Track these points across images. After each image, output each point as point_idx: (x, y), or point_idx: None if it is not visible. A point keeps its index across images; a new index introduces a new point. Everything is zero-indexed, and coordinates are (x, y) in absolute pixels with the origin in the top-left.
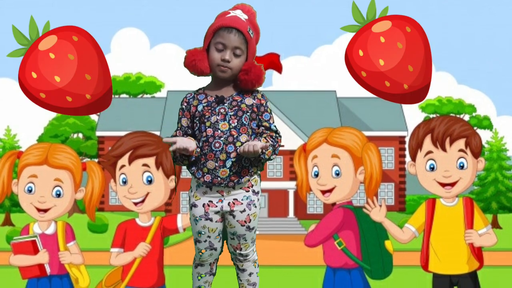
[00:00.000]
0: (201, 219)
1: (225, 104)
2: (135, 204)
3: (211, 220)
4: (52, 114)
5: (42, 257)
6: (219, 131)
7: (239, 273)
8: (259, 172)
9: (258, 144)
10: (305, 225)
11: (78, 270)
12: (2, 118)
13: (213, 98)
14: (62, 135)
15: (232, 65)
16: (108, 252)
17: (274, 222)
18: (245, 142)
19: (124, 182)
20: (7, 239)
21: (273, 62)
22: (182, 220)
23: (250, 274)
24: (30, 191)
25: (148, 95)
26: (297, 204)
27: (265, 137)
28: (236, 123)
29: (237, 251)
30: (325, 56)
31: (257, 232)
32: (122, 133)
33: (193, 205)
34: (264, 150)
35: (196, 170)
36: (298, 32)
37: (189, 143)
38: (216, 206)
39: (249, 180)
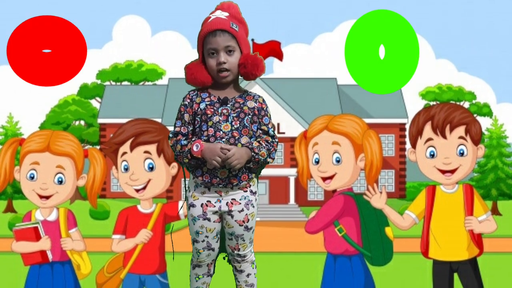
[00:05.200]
0: (199, 219)
1: (228, 105)
2: (137, 191)
3: (209, 220)
4: (54, 102)
5: (44, 243)
6: (221, 131)
7: (237, 274)
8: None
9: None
10: (306, 212)
11: (80, 257)
12: (5, 106)
13: (216, 99)
14: (64, 122)
15: (229, 65)
16: (110, 238)
17: (275, 209)
18: (246, 143)
19: (126, 169)
20: (10, 225)
21: (274, 49)
22: (183, 207)
23: (248, 275)
24: (32, 178)
25: (150, 83)
26: (298, 191)
27: (259, 141)
28: (238, 125)
29: (235, 252)
30: (325, 44)
31: (258, 219)
32: (124, 120)
33: (191, 205)
34: (255, 155)
35: (196, 168)
36: (298, 20)
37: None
38: (214, 206)
39: (247, 182)
